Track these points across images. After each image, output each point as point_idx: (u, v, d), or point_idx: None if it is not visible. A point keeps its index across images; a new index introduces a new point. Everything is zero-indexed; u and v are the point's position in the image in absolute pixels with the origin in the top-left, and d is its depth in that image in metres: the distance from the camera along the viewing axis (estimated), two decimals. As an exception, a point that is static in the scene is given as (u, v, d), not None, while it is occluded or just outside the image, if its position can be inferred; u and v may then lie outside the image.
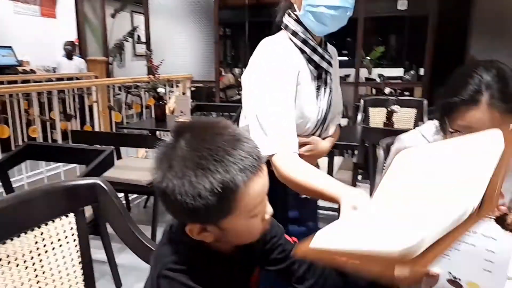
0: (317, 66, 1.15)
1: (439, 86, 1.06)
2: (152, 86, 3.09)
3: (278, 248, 0.87)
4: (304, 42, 1.12)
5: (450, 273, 0.76)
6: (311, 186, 0.92)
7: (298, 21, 1.12)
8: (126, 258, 2.42)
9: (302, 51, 1.12)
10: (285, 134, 1.05)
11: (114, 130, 3.54)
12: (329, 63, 1.17)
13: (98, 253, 2.19)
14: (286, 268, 0.87)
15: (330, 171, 2.54)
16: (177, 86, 4.26)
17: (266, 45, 1.14)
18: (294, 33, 1.12)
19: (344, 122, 4.73)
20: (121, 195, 3.29)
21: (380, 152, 1.51)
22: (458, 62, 4.39)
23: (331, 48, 1.25)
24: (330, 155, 2.51)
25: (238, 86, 9.10)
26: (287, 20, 1.15)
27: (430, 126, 1.17)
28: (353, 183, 2.44)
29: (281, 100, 1.06)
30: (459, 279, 0.74)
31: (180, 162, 0.61)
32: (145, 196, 3.28)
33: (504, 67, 0.96)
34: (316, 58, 1.13)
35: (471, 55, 4.27)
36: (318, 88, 1.17)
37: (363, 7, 4.57)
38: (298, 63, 1.12)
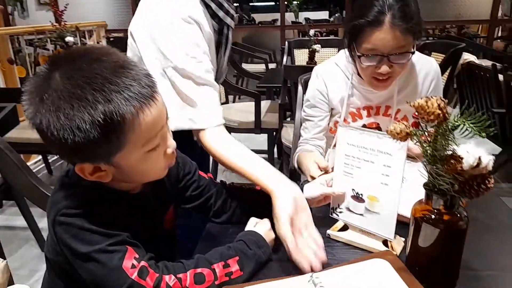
0: (220, 21, 1.03)
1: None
2: (58, 35, 2.77)
3: (193, 185, 0.86)
4: None
5: (353, 190, 0.81)
6: (246, 173, 0.85)
7: None
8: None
9: (207, 6, 0.99)
10: (214, 104, 0.94)
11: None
12: (233, 18, 1.06)
13: (19, 219, 2.07)
14: (202, 204, 0.87)
15: (257, 115, 2.56)
16: (91, 36, 3.88)
17: None
18: None
19: (272, 66, 4.73)
20: (39, 157, 3.04)
21: (299, 88, 1.53)
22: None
23: None
24: (257, 99, 2.51)
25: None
26: None
27: (342, 55, 1.20)
28: (280, 125, 2.47)
29: (204, 64, 0.93)
30: (361, 194, 0.80)
31: (53, 93, 0.54)
32: (67, 157, 3.06)
33: None
34: (220, 14, 1.01)
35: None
36: (218, 45, 1.07)
37: None
38: (202, 17, 0.98)
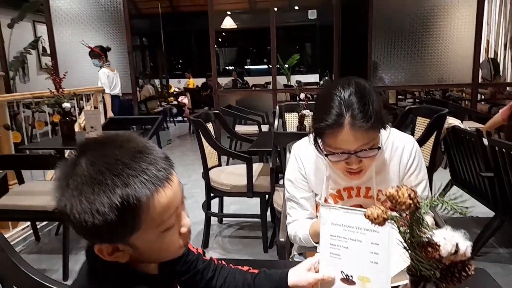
0: None
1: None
2: (55, 102, 2.85)
3: (181, 259, 0.84)
4: None
5: (342, 272, 0.79)
6: None
7: None
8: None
9: None
10: None
11: (14, 152, 3.18)
12: None
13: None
14: (189, 279, 0.85)
15: (249, 179, 2.55)
16: (88, 101, 4.00)
17: None
18: None
19: (265, 128, 4.84)
20: (27, 223, 2.96)
21: (287, 155, 1.55)
22: (362, 65, 4.65)
23: None
24: (249, 163, 2.52)
25: (159, 97, 8.83)
26: None
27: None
28: (272, 189, 2.47)
29: None
30: (351, 276, 0.78)
31: (77, 179, 0.58)
32: (57, 223, 2.99)
33: (360, 82, 1.01)
34: None
35: (373, 60, 4.64)
36: None
37: (275, 17, 4.74)
38: None
